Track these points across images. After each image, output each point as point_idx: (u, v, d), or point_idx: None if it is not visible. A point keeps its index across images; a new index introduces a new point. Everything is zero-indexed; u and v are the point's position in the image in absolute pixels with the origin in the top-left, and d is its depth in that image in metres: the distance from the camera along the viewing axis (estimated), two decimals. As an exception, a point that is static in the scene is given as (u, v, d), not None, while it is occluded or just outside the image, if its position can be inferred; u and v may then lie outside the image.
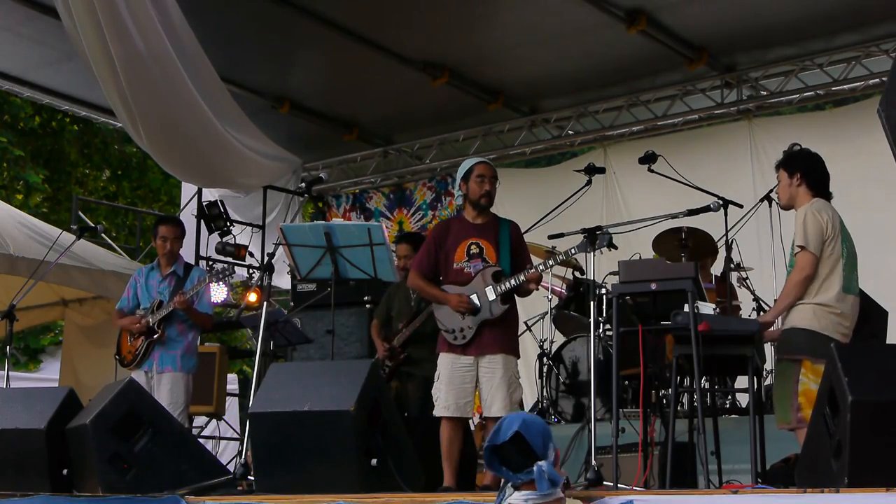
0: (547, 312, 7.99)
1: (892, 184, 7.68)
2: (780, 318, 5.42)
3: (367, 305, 8.12)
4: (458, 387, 5.76)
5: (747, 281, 7.44)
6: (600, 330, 6.95)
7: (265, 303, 6.72)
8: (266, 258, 6.70)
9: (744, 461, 5.34)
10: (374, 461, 5.01)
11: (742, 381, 6.78)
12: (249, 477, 5.64)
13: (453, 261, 5.89)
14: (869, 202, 8.00)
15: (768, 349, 6.48)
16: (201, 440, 7.91)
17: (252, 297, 9.82)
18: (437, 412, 5.80)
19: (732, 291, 6.91)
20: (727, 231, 6.37)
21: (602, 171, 6.65)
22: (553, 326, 7.91)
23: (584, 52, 9.03)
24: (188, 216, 9.87)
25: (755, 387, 5.45)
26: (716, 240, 6.90)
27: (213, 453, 8.40)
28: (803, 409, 5.11)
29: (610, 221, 8.04)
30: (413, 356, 6.81)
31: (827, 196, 5.45)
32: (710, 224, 6.70)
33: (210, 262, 9.41)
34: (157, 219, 8.20)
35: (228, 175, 9.47)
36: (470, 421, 6.25)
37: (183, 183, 11.23)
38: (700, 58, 8.92)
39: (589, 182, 6.53)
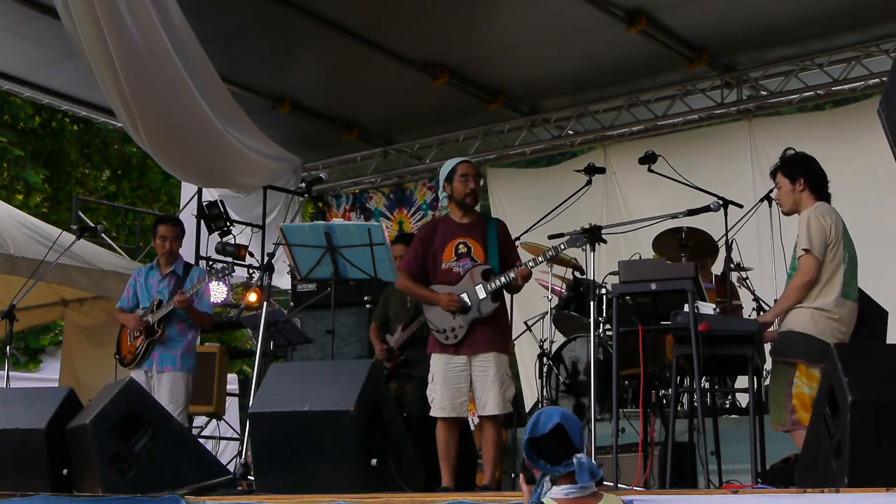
0: (547, 312, 7.98)
1: (892, 184, 7.68)
2: (777, 320, 5.42)
3: (367, 305, 8.13)
4: (452, 387, 5.77)
5: (747, 281, 7.43)
6: (600, 330, 6.95)
7: (265, 303, 6.72)
8: (266, 258, 6.70)
9: (744, 461, 5.33)
10: (374, 461, 5.02)
11: (742, 381, 6.78)
12: (249, 477, 5.65)
13: (442, 261, 5.91)
14: (869, 202, 8.01)
15: (768, 349, 6.47)
16: (201, 440, 7.91)
17: (252, 297, 9.82)
18: (433, 413, 5.83)
19: (733, 291, 6.91)
20: (727, 231, 6.37)
21: (602, 171, 6.65)
22: (553, 326, 7.90)
23: (584, 52, 9.02)
24: (188, 216, 9.87)
25: (755, 387, 5.44)
26: (716, 240, 6.90)
27: (213, 453, 8.40)
28: (797, 412, 5.12)
29: (610, 221, 8.07)
30: (410, 358, 6.85)
31: (827, 197, 5.45)
32: (710, 224, 6.70)
33: (210, 262, 9.41)
34: (157, 218, 8.20)
35: (228, 175, 9.47)
36: (470, 420, 6.25)
37: (183, 183, 11.23)
38: (700, 58, 8.92)
39: (589, 182, 6.53)
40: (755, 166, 8.97)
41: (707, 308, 5.23)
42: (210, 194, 10.33)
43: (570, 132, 10.26)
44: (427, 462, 5.74)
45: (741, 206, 6.46)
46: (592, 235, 5.72)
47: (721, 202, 6.18)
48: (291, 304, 9.23)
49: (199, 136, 8.50)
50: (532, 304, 8.87)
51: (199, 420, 10.46)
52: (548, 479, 3.73)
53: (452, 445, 5.80)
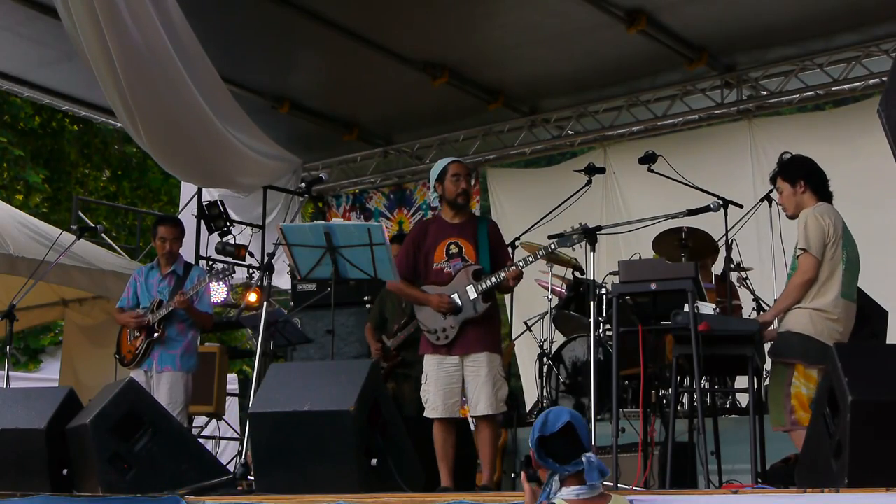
0: (547, 312, 7.99)
1: (891, 184, 7.68)
2: (777, 320, 5.42)
3: (367, 305, 8.13)
4: (445, 388, 5.79)
5: (747, 281, 7.44)
6: (600, 330, 6.95)
7: (265, 303, 6.73)
8: (266, 258, 6.70)
9: (744, 461, 5.33)
10: (374, 461, 5.01)
11: (742, 381, 6.78)
12: (249, 477, 5.64)
13: (433, 261, 5.92)
14: (869, 202, 8.00)
15: (768, 349, 6.48)
16: (201, 440, 7.91)
17: (252, 297, 9.82)
18: (427, 414, 5.85)
19: (733, 291, 6.91)
20: (727, 231, 6.37)
21: (602, 171, 6.65)
22: (553, 326, 7.90)
23: (584, 52, 9.02)
24: (188, 216, 9.87)
25: (755, 387, 5.45)
26: (716, 240, 6.90)
27: (213, 453, 8.40)
28: (796, 412, 5.12)
29: (610, 221, 8.08)
30: (407, 358, 6.87)
31: (828, 197, 5.45)
32: (710, 224, 6.70)
33: (210, 262, 9.41)
34: (157, 219, 8.20)
35: (228, 175, 9.48)
36: (470, 421, 6.25)
37: (183, 183, 11.23)
38: (700, 58, 8.92)
39: (589, 182, 6.53)
40: (755, 166, 8.97)
41: (707, 308, 5.23)
42: (210, 194, 10.33)
43: (570, 132, 10.26)
44: (425, 462, 5.74)
45: (741, 206, 6.46)
46: (591, 235, 5.72)
47: (721, 202, 6.18)
48: (291, 304, 9.23)
49: (199, 136, 8.50)
50: (532, 304, 8.88)
51: (199, 420, 10.46)
52: (556, 478, 3.72)
53: (450, 445, 5.81)
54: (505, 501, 4.74)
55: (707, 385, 6.18)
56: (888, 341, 6.43)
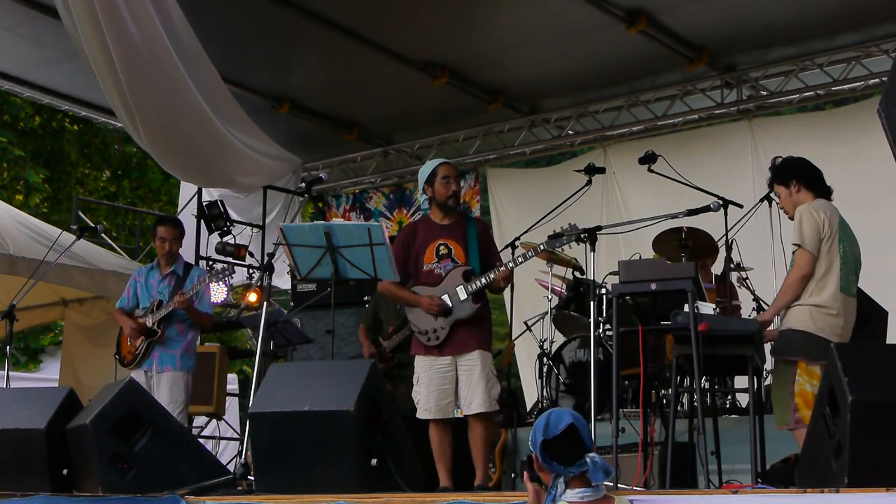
0: (547, 312, 7.99)
1: (891, 184, 7.68)
2: (779, 319, 5.42)
3: (367, 305, 8.14)
4: (437, 388, 5.79)
5: (747, 281, 7.43)
6: (600, 330, 6.95)
7: (265, 303, 6.73)
8: (266, 258, 6.70)
9: (744, 461, 5.34)
10: (374, 461, 5.01)
11: (742, 381, 6.78)
12: (249, 477, 5.64)
13: (423, 263, 5.93)
14: (869, 202, 7.99)
15: (768, 349, 6.48)
16: (201, 440, 7.91)
17: (252, 297, 9.82)
18: (419, 415, 5.86)
19: (732, 291, 6.91)
20: (727, 231, 6.37)
21: (602, 171, 6.65)
22: (553, 326, 7.90)
23: (584, 52, 9.02)
24: (188, 216, 9.87)
25: (755, 387, 5.45)
26: (716, 240, 6.90)
27: (213, 453, 8.40)
28: (800, 410, 5.12)
29: (610, 221, 8.09)
30: (403, 360, 6.89)
31: (826, 192, 5.45)
32: (710, 224, 6.70)
33: (210, 262, 9.41)
34: (156, 219, 8.20)
35: (229, 175, 9.47)
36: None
37: (182, 183, 11.23)
38: (700, 58, 8.92)
39: (589, 182, 6.53)
40: (755, 166, 8.96)
41: (707, 308, 5.23)
42: (210, 194, 10.32)
43: (570, 132, 10.26)
44: (423, 462, 5.74)
45: (741, 206, 6.47)
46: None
47: (721, 202, 6.18)
48: (291, 304, 9.23)
49: (199, 136, 8.49)
50: (532, 304, 8.88)
51: (199, 420, 10.46)
52: (561, 480, 3.73)
53: (447, 445, 5.82)
54: (505, 501, 4.74)
55: (707, 385, 6.18)
56: (888, 341, 6.44)
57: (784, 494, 4.29)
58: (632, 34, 8.44)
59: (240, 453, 7.58)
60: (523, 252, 6.12)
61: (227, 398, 10.09)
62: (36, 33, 8.96)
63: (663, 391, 6.27)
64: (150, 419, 5.64)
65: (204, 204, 10.06)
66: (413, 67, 9.35)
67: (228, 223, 9.98)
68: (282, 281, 10.48)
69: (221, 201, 10.11)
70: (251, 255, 10.04)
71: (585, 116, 10.06)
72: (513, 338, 8.82)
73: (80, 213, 10.61)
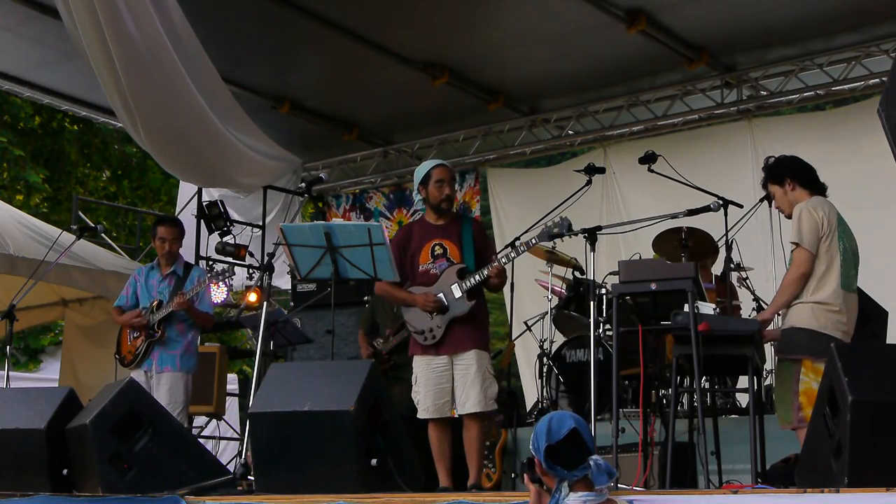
0: (547, 312, 7.99)
1: (891, 184, 7.69)
2: (779, 318, 5.42)
3: (367, 305, 8.14)
4: (434, 388, 5.80)
5: (747, 281, 7.43)
6: (600, 330, 6.95)
7: (265, 303, 6.73)
8: (266, 258, 6.70)
9: (744, 461, 5.34)
10: (374, 461, 5.01)
11: (742, 381, 6.78)
12: (249, 477, 5.64)
13: (419, 263, 5.94)
14: (868, 202, 8.00)
15: (768, 349, 6.48)
16: (201, 440, 7.91)
17: (252, 297, 9.82)
18: (419, 415, 5.86)
19: (732, 291, 6.91)
20: (727, 231, 6.37)
21: (602, 171, 6.65)
22: (553, 326, 7.90)
23: (584, 52, 9.02)
24: (188, 216, 9.87)
25: (755, 387, 5.45)
26: (716, 240, 6.90)
27: (213, 453, 8.40)
28: (804, 409, 5.11)
29: (610, 221, 8.09)
30: (398, 362, 6.94)
31: (821, 189, 5.45)
32: (710, 224, 6.70)
33: (210, 262, 9.41)
34: (156, 219, 8.20)
35: (229, 175, 9.47)
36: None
37: (181, 183, 11.23)
38: (700, 58, 8.92)
39: (589, 182, 6.53)
40: (755, 166, 8.94)
41: (707, 308, 5.23)
42: (210, 194, 10.33)
43: (570, 132, 10.26)
44: (422, 463, 5.74)
45: (741, 206, 6.46)
46: (562, 228, 5.73)
47: (721, 202, 6.18)
48: (291, 304, 9.23)
49: (199, 136, 8.49)
50: (532, 304, 8.88)
51: (199, 420, 10.46)
52: (565, 484, 3.74)
53: (446, 445, 5.82)
54: (505, 501, 4.74)
55: (707, 385, 6.17)
56: (888, 341, 6.44)
57: (784, 494, 4.29)
58: (632, 34, 8.44)
59: (240, 453, 7.58)
60: (515, 247, 6.09)
61: (227, 398, 10.09)
62: (36, 33, 8.96)
63: (663, 391, 6.27)
64: (150, 419, 5.63)
65: (204, 204, 10.07)
66: (413, 67, 9.35)
67: (228, 223, 9.98)
68: (282, 281, 10.48)
69: (221, 201, 10.12)
70: (251, 255, 10.04)
71: (585, 116, 10.06)
72: (513, 338, 8.83)
73: (80, 213, 10.61)
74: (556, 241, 6.63)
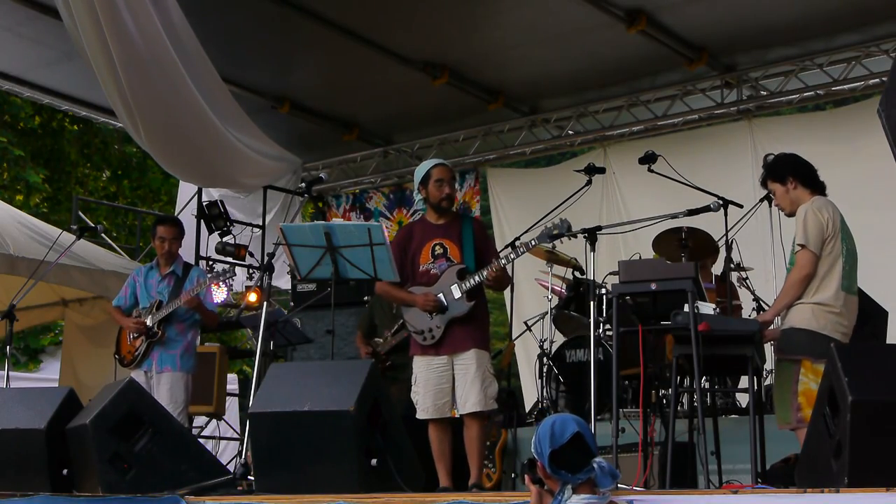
0: (547, 312, 7.99)
1: (891, 184, 7.68)
2: (779, 318, 5.42)
3: (367, 305, 8.14)
4: (434, 388, 5.80)
5: (747, 281, 7.43)
6: (600, 330, 6.95)
7: (265, 303, 6.72)
8: (266, 258, 6.70)
9: (744, 461, 5.34)
10: (374, 461, 5.01)
11: (742, 381, 6.77)
12: (249, 477, 5.64)
13: (419, 263, 5.95)
14: (869, 202, 8.00)
15: (768, 349, 6.47)
16: (201, 440, 7.91)
17: (252, 297, 9.82)
18: (418, 416, 5.86)
19: (732, 291, 6.91)
20: (727, 231, 6.37)
21: (602, 171, 6.65)
22: (553, 326, 7.90)
23: (584, 52, 9.02)
24: (188, 216, 9.87)
25: (755, 387, 5.45)
26: (716, 240, 6.90)
27: (213, 453, 8.40)
28: (803, 409, 5.11)
29: (610, 221, 8.09)
30: (397, 362, 6.96)
31: (821, 187, 5.45)
32: (710, 224, 6.70)
33: (210, 263, 9.41)
34: (156, 219, 8.20)
35: (229, 175, 9.47)
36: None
37: (181, 183, 11.23)
38: (700, 58, 8.92)
39: (589, 182, 6.53)
40: (755, 166, 8.92)
41: (707, 308, 5.22)
42: (210, 194, 10.33)
43: (570, 132, 10.26)
44: (422, 463, 5.74)
45: (741, 206, 6.47)
46: (561, 228, 5.73)
47: (721, 202, 6.18)
48: (291, 304, 9.23)
49: (199, 136, 8.49)
50: (532, 304, 8.88)
51: (199, 420, 10.46)
52: (569, 487, 3.74)
53: (446, 445, 5.82)
54: (505, 501, 4.74)
55: (707, 385, 6.17)
56: (888, 341, 6.44)
57: (784, 494, 4.29)
58: (632, 34, 8.44)
59: (240, 453, 7.59)
60: (515, 248, 6.09)
61: (227, 398, 10.09)
62: (36, 33, 8.96)
63: (663, 391, 6.27)
64: (150, 419, 5.64)
65: (204, 204, 10.07)
66: (413, 67, 9.34)
67: (228, 223, 9.98)
68: (282, 281, 10.48)
69: (221, 201, 10.12)
70: (251, 255, 10.04)
71: (585, 116, 10.05)
72: (513, 338, 8.83)
73: (80, 213, 10.61)
74: (557, 241, 6.63)
